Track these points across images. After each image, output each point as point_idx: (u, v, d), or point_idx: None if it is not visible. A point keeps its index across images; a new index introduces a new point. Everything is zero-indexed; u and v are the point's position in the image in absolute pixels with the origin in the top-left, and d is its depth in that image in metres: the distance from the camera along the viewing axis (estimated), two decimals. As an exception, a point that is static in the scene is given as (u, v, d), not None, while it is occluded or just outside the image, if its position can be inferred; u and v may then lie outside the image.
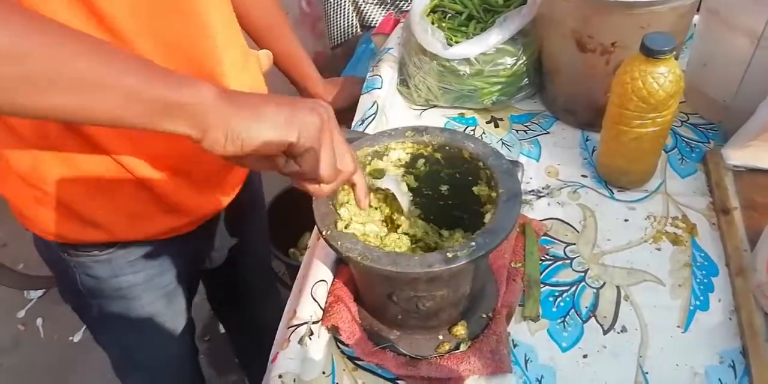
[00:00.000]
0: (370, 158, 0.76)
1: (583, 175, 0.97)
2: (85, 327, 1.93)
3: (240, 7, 0.91)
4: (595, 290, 0.81)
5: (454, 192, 0.79)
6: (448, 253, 0.61)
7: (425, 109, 1.12)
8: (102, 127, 0.68)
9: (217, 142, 0.53)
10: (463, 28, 1.07)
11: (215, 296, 1.35)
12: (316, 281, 0.80)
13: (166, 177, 0.78)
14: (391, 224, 0.80)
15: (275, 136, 0.54)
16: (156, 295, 0.94)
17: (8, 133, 0.72)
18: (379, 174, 0.76)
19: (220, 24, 0.75)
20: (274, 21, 1.06)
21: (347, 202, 0.72)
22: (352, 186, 0.69)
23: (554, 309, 0.79)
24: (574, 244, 0.87)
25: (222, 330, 1.81)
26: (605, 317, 0.78)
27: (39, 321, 1.99)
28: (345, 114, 1.09)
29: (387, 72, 1.13)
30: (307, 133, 0.55)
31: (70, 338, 1.93)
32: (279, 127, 0.54)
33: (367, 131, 0.97)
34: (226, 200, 0.91)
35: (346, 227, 0.71)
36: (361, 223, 0.74)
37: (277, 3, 1.05)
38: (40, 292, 2.05)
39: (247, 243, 1.13)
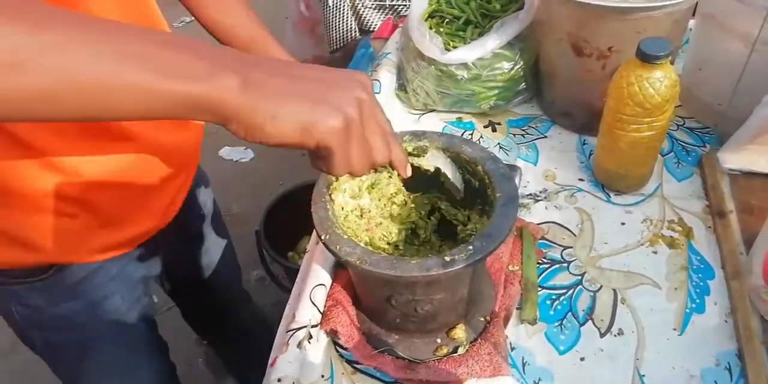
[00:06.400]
0: None
1: (580, 179, 0.97)
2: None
3: (221, 23, 0.93)
4: (592, 293, 0.81)
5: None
6: (446, 257, 0.62)
7: (423, 114, 1.13)
8: (44, 137, 0.65)
9: (239, 133, 0.48)
10: (461, 33, 1.08)
11: (188, 317, 1.35)
12: (314, 285, 0.80)
13: (105, 189, 0.73)
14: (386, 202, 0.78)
15: (292, 140, 0.48)
16: (102, 322, 0.87)
17: None
18: (421, 151, 0.73)
19: None
20: (255, 33, 0.97)
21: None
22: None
23: (551, 312, 0.80)
24: (572, 247, 0.87)
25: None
26: (602, 320, 0.79)
27: (37, 325, 1.99)
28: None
29: (385, 76, 1.14)
30: (329, 137, 0.48)
31: (69, 342, 1.93)
32: (297, 131, 0.48)
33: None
34: (166, 218, 0.86)
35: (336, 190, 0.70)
36: (352, 197, 0.73)
37: (254, 16, 0.98)
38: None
39: (209, 266, 1.10)
